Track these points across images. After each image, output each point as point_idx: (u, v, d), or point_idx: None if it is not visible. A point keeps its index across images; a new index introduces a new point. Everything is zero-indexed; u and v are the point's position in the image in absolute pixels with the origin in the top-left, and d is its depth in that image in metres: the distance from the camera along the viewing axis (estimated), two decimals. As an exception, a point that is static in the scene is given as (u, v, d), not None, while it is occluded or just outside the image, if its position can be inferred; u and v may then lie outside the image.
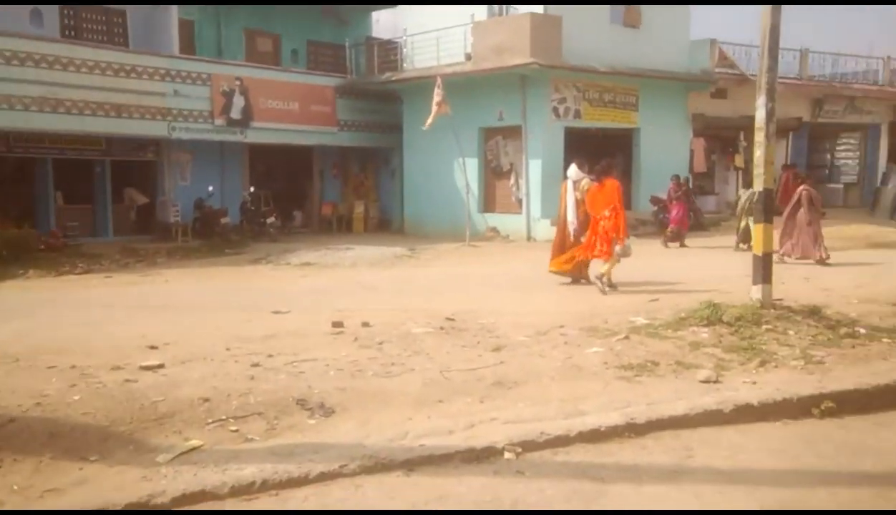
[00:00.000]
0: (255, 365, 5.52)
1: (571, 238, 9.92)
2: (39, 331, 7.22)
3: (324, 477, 3.63)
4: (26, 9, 15.94)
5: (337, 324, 6.99)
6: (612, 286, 9.29)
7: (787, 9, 7.28)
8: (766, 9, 7.11)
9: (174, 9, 17.72)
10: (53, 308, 9.18)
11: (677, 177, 16.47)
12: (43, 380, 5.07)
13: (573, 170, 10.17)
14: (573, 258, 9.87)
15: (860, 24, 44.19)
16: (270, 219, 18.74)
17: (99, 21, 17.58)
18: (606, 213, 9.18)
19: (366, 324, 7.04)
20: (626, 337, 6.46)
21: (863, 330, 6.71)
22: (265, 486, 3.52)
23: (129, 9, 17.83)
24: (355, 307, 8.17)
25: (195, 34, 19.31)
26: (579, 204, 9.84)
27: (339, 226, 21.30)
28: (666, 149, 18.74)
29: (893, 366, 5.66)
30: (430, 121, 16.31)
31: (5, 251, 13.55)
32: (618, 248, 9.15)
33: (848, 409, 4.84)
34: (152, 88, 16.70)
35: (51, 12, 16.44)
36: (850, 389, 5.02)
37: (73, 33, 17.00)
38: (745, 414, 4.63)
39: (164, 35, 17.75)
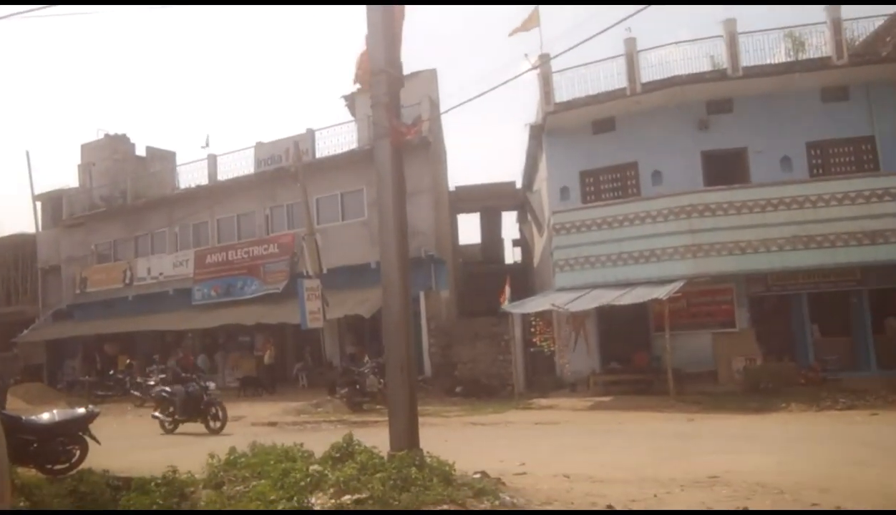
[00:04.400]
0: None
1: None
2: (798, 465, 7.16)
3: None
4: (776, 157, 17.23)
5: None
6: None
7: None
8: None
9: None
10: (811, 443, 9.02)
11: None
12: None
13: None
14: None
15: None
16: None
17: (846, 153, 17.40)
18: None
19: None
20: None
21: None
22: None
23: (878, 133, 17.13)
24: None
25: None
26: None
27: None
28: None
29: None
30: None
31: (768, 384, 14.35)
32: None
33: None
34: (908, 209, 15.38)
35: (799, 157, 17.28)
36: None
37: (820, 171, 17.30)
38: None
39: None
